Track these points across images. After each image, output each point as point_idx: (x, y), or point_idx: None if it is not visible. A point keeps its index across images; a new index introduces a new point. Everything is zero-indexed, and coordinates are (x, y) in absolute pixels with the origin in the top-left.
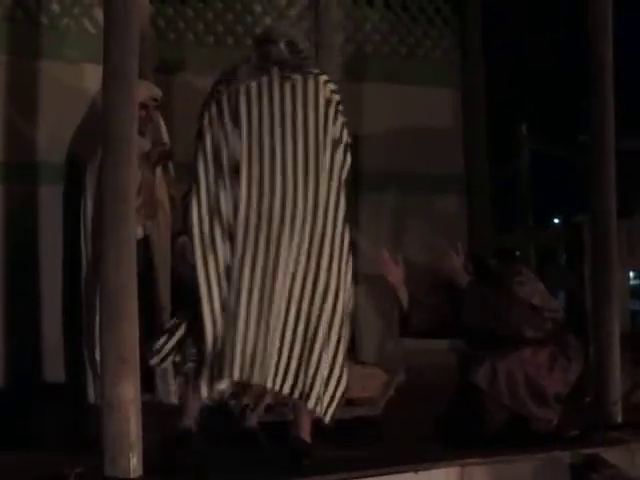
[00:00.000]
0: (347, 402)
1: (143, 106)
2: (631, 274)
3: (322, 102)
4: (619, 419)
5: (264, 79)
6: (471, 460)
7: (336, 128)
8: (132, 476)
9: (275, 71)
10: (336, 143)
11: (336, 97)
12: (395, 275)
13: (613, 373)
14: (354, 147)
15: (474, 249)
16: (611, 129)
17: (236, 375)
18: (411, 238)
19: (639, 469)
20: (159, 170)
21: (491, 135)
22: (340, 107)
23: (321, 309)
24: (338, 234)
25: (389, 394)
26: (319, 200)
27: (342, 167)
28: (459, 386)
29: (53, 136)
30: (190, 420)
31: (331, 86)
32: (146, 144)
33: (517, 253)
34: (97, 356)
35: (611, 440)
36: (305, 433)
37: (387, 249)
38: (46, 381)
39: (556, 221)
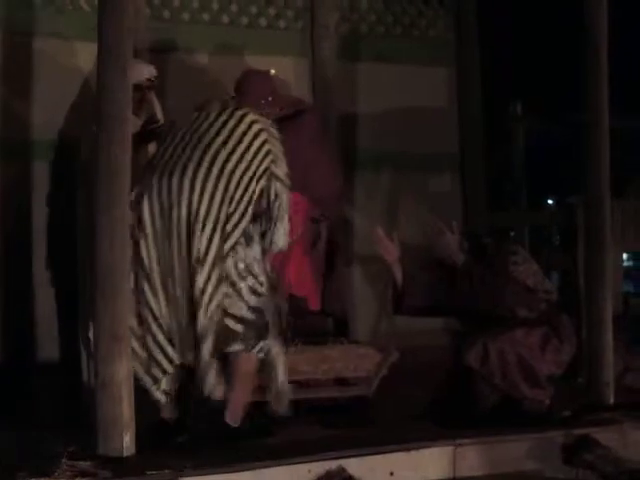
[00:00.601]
0: (340, 382)
1: (137, 87)
2: (624, 256)
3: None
4: (611, 400)
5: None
6: (464, 440)
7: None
8: (125, 455)
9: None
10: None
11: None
12: (390, 252)
13: (606, 354)
14: (351, 126)
15: (468, 228)
16: (605, 110)
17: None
18: (406, 217)
19: (631, 449)
20: (153, 147)
21: (486, 114)
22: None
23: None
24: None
25: (382, 374)
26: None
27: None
28: (451, 366)
29: (47, 114)
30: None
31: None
32: (138, 124)
33: (512, 233)
34: (90, 335)
35: (603, 421)
36: (231, 415)
37: (382, 227)
38: (40, 359)
39: (550, 202)
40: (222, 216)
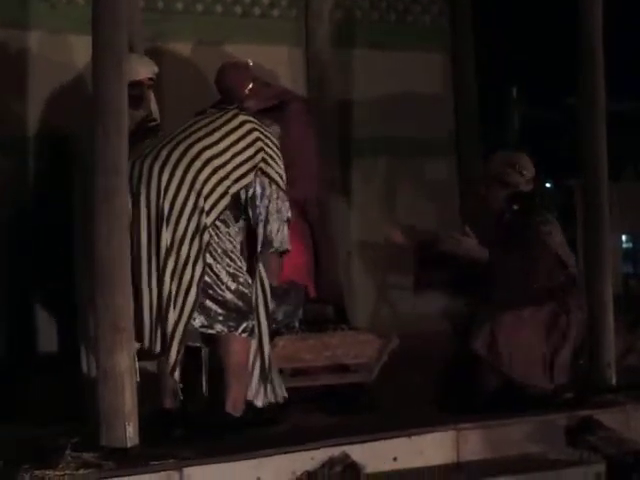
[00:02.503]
0: (341, 368)
1: (138, 84)
2: (623, 237)
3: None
4: (613, 381)
5: None
6: (466, 424)
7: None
8: (128, 445)
9: None
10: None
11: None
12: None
13: (607, 336)
14: (346, 113)
15: (464, 214)
16: (602, 92)
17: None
18: (402, 202)
19: (634, 431)
20: None
21: (481, 99)
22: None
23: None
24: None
25: (383, 360)
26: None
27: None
28: (456, 350)
29: (41, 108)
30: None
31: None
32: (138, 116)
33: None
34: (89, 326)
35: (606, 402)
36: (232, 405)
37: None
38: (39, 352)
39: (547, 185)
40: (194, 195)
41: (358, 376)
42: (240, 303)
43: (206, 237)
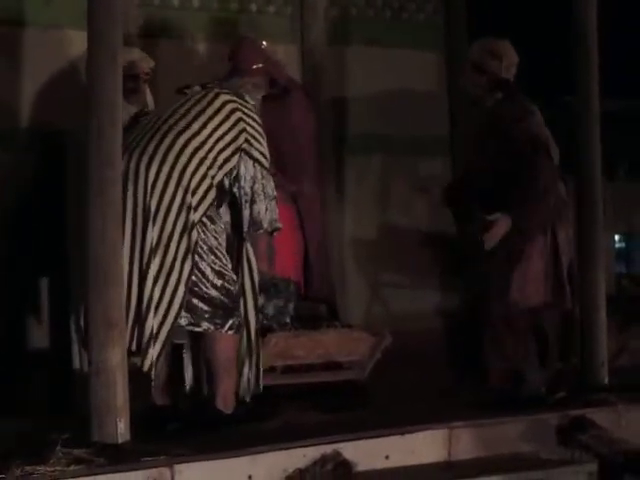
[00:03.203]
0: (334, 366)
1: (134, 77)
2: (616, 237)
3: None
4: (606, 381)
5: None
6: (458, 423)
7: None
8: (120, 441)
9: None
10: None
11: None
12: None
13: (599, 335)
14: (341, 110)
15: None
16: (596, 91)
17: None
18: (396, 200)
19: (625, 430)
20: None
21: None
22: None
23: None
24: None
25: (376, 357)
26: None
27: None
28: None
29: (36, 103)
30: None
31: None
32: (132, 111)
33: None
34: (81, 322)
35: (598, 402)
36: (222, 402)
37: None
38: (31, 347)
39: None
40: (181, 191)
41: (351, 373)
42: (226, 300)
43: (194, 236)
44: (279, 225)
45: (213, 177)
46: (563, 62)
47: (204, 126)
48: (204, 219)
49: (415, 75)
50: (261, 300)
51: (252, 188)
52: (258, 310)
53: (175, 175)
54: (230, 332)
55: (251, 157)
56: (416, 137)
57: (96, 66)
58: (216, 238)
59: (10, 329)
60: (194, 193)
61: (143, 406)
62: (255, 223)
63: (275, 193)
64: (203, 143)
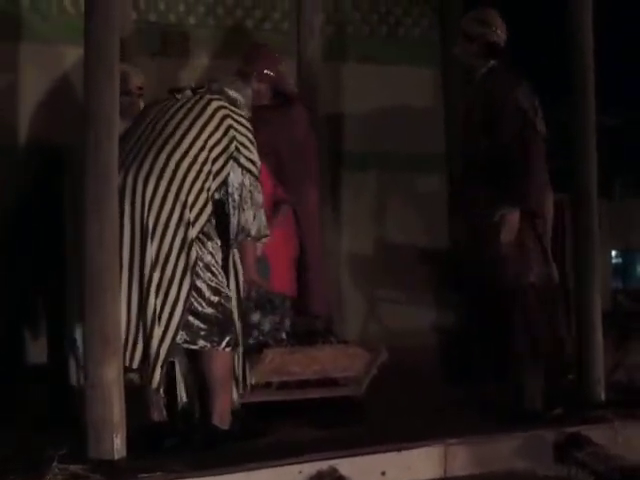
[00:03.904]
0: (331, 382)
1: (128, 93)
2: (613, 252)
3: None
4: (602, 397)
5: None
6: (454, 439)
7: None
8: (116, 457)
9: None
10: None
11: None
12: None
13: (596, 351)
14: (337, 126)
15: (454, 229)
16: (592, 107)
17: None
18: (392, 216)
19: (622, 447)
20: None
21: None
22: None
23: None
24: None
25: (372, 373)
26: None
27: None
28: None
29: (33, 118)
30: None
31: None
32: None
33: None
34: (77, 336)
35: (594, 418)
36: (218, 418)
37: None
38: (27, 362)
39: None
40: (179, 206)
41: (347, 390)
42: (221, 317)
43: (193, 254)
44: (267, 232)
45: (209, 189)
46: (558, 77)
47: (198, 137)
48: (201, 235)
49: (411, 91)
50: (257, 316)
51: (240, 195)
52: (244, 315)
53: (173, 189)
54: (227, 349)
55: (240, 164)
56: (412, 154)
57: (93, 81)
58: (212, 255)
59: (8, 344)
60: (192, 207)
61: (139, 423)
62: (243, 231)
63: (262, 201)
64: (197, 155)
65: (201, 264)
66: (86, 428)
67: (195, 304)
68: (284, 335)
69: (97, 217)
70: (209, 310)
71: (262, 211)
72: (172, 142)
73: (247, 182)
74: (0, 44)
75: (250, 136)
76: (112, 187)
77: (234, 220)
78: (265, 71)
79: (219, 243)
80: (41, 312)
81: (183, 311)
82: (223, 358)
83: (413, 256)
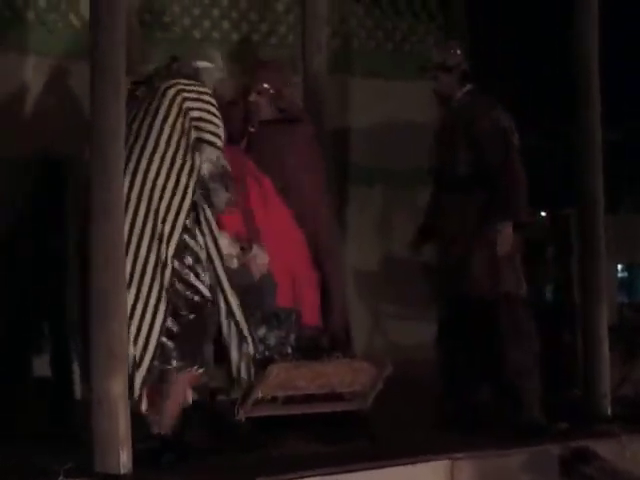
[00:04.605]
0: (336, 396)
1: None
2: (619, 267)
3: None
4: (609, 412)
5: None
6: (460, 454)
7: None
8: (122, 472)
9: None
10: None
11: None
12: None
13: (602, 366)
14: (342, 141)
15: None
16: (597, 121)
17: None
18: (398, 231)
19: (629, 462)
20: None
21: None
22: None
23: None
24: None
25: (378, 388)
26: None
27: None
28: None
29: (37, 132)
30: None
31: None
32: None
33: None
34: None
35: (601, 433)
36: (162, 425)
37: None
38: (33, 375)
39: (543, 214)
40: (152, 217)
41: (353, 404)
42: (193, 337)
43: (167, 275)
44: (233, 201)
45: (187, 187)
46: (562, 92)
47: (159, 138)
48: (181, 244)
49: (416, 106)
50: (263, 330)
51: (208, 169)
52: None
53: (145, 198)
54: (200, 370)
55: (203, 140)
56: (418, 168)
57: (99, 95)
58: (192, 268)
59: (12, 357)
60: (164, 220)
61: (141, 436)
62: (215, 205)
63: (229, 173)
64: (163, 156)
65: (177, 282)
66: (92, 442)
67: (170, 324)
68: (289, 350)
69: (103, 233)
70: (181, 330)
71: (229, 184)
72: (136, 152)
73: (211, 156)
74: (7, 56)
75: (211, 108)
76: (118, 198)
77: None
78: (264, 85)
79: (201, 246)
80: (47, 325)
81: (160, 333)
82: (189, 374)
83: (418, 270)
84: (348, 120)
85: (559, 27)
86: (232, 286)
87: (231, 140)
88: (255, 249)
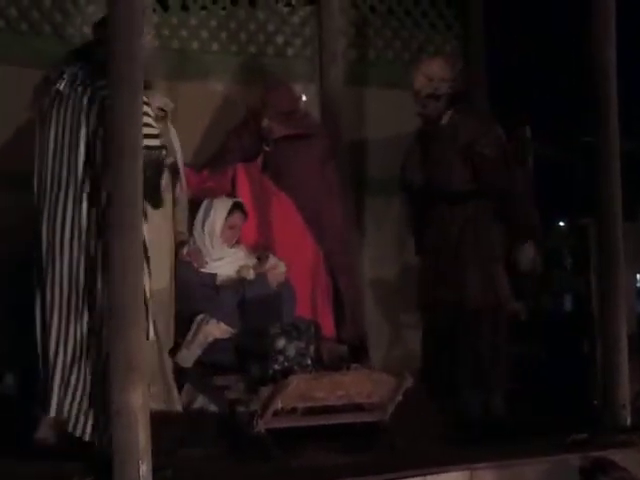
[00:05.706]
0: (356, 408)
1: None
2: (638, 276)
3: None
4: (628, 422)
5: None
6: (480, 464)
7: None
8: None
9: None
10: None
11: None
12: None
13: (621, 376)
14: (359, 152)
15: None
16: (616, 131)
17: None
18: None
19: None
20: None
21: None
22: None
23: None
24: None
25: (397, 399)
26: None
27: None
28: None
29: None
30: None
31: None
32: None
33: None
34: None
35: (620, 443)
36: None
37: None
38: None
39: (561, 224)
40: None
41: (372, 415)
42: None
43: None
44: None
45: None
46: (583, 102)
47: None
48: None
49: None
50: (282, 342)
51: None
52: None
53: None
54: None
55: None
56: None
57: (118, 107)
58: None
59: (26, 370)
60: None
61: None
62: None
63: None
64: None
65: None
66: (111, 454)
67: None
68: (309, 361)
69: (121, 248)
70: None
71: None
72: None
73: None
74: (13, 68)
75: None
76: (137, 213)
77: None
78: (276, 109)
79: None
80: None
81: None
82: None
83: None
84: (365, 131)
85: (577, 37)
86: None
87: (247, 158)
88: (272, 259)
